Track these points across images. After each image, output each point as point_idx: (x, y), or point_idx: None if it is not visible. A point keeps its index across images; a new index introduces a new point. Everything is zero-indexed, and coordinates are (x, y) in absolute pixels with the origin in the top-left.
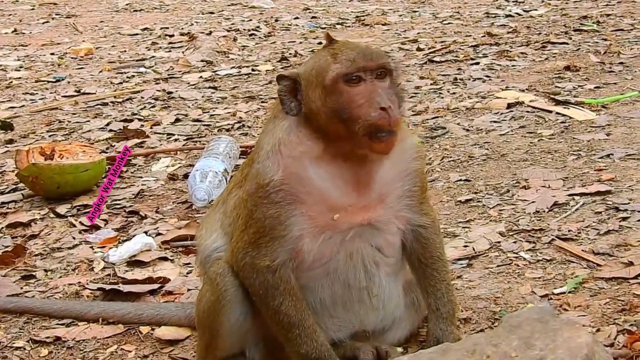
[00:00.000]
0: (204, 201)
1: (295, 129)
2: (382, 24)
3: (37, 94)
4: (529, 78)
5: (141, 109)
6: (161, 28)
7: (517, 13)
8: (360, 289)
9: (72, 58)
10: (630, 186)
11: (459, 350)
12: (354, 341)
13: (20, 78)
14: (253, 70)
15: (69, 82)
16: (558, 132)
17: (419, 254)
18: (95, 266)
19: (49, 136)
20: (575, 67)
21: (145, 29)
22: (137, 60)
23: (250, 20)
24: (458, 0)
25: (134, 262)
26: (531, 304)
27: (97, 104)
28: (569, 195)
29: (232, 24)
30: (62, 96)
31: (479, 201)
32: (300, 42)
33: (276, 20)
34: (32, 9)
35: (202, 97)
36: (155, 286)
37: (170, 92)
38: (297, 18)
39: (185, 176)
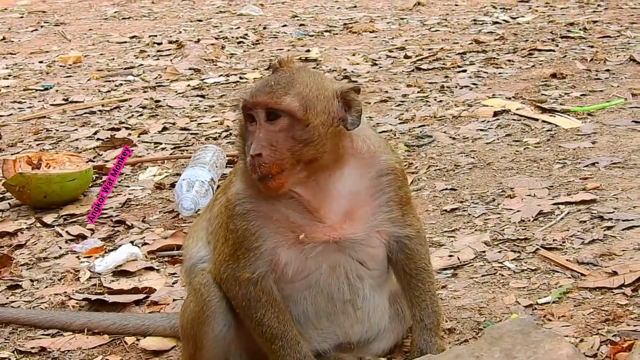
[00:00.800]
0: (190, 210)
1: None
2: (370, 31)
3: (25, 102)
4: (516, 86)
5: (129, 117)
6: (149, 36)
7: (504, 20)
8: (344, 302)
9: (60, 66)
10: (615, 195)
11: None
12: (338, 352)
13: (8, 86)
14: (241, 78)
15: (57, 91)
16: (544, 141)
17: (404, 264)
18: (81, 276)
19: (37, 145)
20: (561, 74)
21: (134, 37)
22: (125, 69)
23: (239, 28)
24: (446, 8)
25: (119, 272)
26: (515, 314)
27: (85, 113)
28: (554, 204)
29: (220, 31)
30: (50, 104)
31: (464, 210)
32: (289, 50)
33: (264, 28)
34: (21, 17)
35: (190, 105)
36: (141, 296)
37: (158, 101)
38: (285, 26)
39: (172, 185)
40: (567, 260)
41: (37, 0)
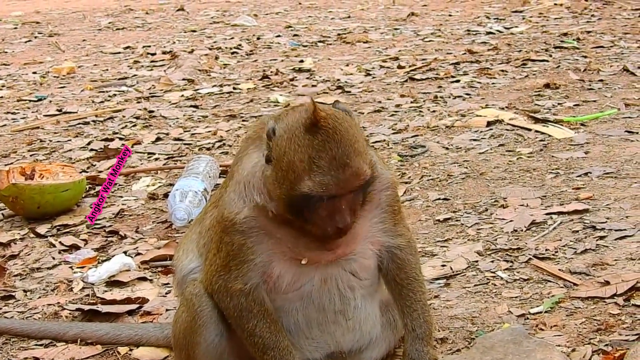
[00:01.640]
0: (183, 221)
1: (262, 172)
2: (364, 42)
3: (18, 113)
4: (509, 96)
5: (122, 127)
6: (143, 46)
7: (497, 30)
8: (335, 312)
9: (54, 77)
10: (607, 205)
11: None
12: None
13: (1, 97)
14: (234, 88)
15: (50, 101)
16: (537, 151)
17: (395, 274)
18: (74, 286)
19: (30, 155)
20: (555, 84)
21: (128, 47)
22: (118, 79)
23: (232, 38)
24: (439, 18)
25: (113, 282)
26: (507, 323)
27: (79, 123)
28: (547, 214)
29: (214, 42)
30: (44, 115)
31: (457, 220)
32: (282, 60)
33: (258, 39)
34: (15, 28)
35: (184, 115)
36: (134, 306)
37: (152, 111)
38: (278, 36)
39: (166, 195)
40: (559, 269)
41: (31, 11)
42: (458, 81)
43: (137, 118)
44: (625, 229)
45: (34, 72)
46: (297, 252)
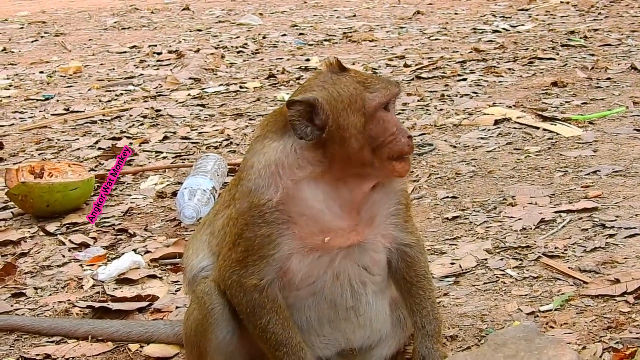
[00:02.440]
0: (192, 219)
1: (295, 151)
2: (370, 40)
3: (26, 112)
4: (516, 94)
5: (129, 126)
6: (149, 46)
7: (504, 28)
8: (347, 309)
9: (60, 76)
10: (616, 203)
11: None
12: (340, 359)
13: (9, 97)
14: (241, 87)
15: (58, 101)
16: (545, 149)
17: (404, 272)
18: (84, 284)
19: (39, 154)
20: (562, 82)
21: (134, 46)
22: (125, 78)
23: (238, 37)
24: (445, 16)
25: (122, 280)
26: (517, 321)
27: (86, 122)
28: (556, 212)
29: (220, 41)
30: (51, 114)
31: (465, 218)
32: (288, 59)
33: (264, 38)
34: (21, 28)
35: (190, 114)
36: (144, 304)
37: (159, 110)
38: (284, 35)
39: (174, 194)
40: (569, 267)
41: (37, 11)
42: (465, 79)
43: (144, 117)
44: (634, 227)
45: (41, 72)
46: (321, 231)
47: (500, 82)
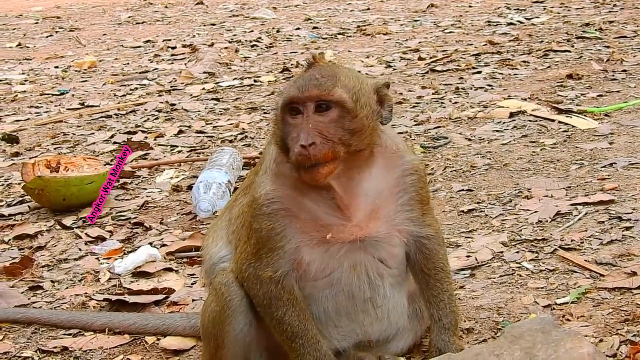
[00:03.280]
0: (207, 212)
1: None
2: (384, 34)
3: (42, 107)
4: (531, 87)
5: (144, 121)
6: (163, 40)
7: (518, 21)
8: (365, 300)
9: (75, 71)
10: (633, 195)
11: None
12: (357, 351)
13: (25, 91)
14: (255, 81)
15: (73, 95)
16: (560, 141)
17: (422, 264)
18: (101, 277)
19: (54, 149)
20: (577, 75)
21: (148, 41)
22: (140, 73)
23: (252, 31)
24: (459, 9)
25: (139, 273)
26: (534, 314)
27: (101, 117)
28: (572, 204)
29: (234, 35)
30: (67, 109)
31: (481, 211)
32: (302, 53)
33: (277, 31)
34: (36, 23)
35: (205, 108)
36: (160, 297)
37: (173, 104)
38: (298, 29)
39: (189, 187)
40: (585, 260)
41: (51, 6)
42: (479, 72)
43: (159, 111)
44: None
45: (56, 67)
46: (322, 227)
47: (515, 74)
